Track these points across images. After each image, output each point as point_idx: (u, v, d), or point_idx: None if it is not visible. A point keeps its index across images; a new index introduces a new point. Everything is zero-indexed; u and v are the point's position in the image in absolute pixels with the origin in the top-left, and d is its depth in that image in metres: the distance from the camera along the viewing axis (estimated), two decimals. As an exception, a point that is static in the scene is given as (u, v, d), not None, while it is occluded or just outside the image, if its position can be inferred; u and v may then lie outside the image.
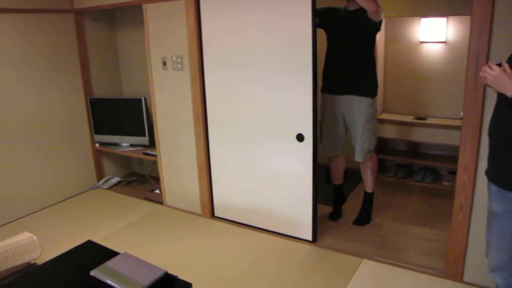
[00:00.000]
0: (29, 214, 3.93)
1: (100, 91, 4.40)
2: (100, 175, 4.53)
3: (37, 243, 2.95)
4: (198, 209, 3.75)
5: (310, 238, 3.18)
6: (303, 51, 2.83)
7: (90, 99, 4.25)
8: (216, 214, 3.68)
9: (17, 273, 2.91)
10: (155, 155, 3.93)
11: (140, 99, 4.06)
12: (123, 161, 4.79)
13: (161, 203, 4.02)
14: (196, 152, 3.58)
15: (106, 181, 4.50)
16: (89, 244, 2.70)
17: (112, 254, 2.51)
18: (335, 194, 3.58)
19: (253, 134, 3.23)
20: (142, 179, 4.64)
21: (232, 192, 3.51)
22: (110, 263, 2.38)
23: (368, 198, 3.45)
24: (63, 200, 4.21)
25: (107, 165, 4.61)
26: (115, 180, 4.54)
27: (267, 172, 3.24)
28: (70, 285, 2.31)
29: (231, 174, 3.47)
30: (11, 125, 3.70)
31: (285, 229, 3.29)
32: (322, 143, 3.35)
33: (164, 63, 3.51)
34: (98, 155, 4.50)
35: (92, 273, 2.30)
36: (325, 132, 3.33)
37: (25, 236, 2.96)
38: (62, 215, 3.90)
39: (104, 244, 3.34)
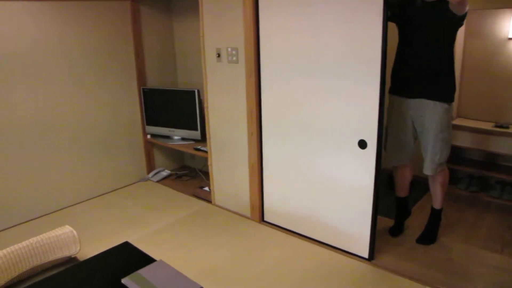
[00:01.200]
0: (76, 204, 3.89)
1: (154, 81, 4.27)
2: (150, 167, 4.43)
3: (77, 238, 2.86)
4: (247, 212, 3.53)
5: (366, 255, 2.86)
6: (370, 49, 2.49)
7: (143, 89, 4.13)
8: (265, 218, 3.44)
9: (57, 267, 2.85)
10: (206, 151, 3.75)
11: (194, 92, 3.88)
12: (175, 154, 4.67)
13: (209, 201, 3.85)
14: (248, 151, 3.35)
15: (156, 174, 4.39)
16: (126, 246, 2.56)
17: (148, 260, 2.35)
18: (399, 208, 3.21)
19: (310, 136, 2.95)
20: (193, 174, 4.49)
21: (283, 197, 3.25)
22: (143, 271, 2.22)
23: (436, 215, 3.06)
24: (112, 191, 4.15)
25: (158, 157, 4.51)
26: (165, 173, 4.42)
27: (323, 179, 2.95)
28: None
29: (283, 177, 3.20)
30: (63, 113, 3.65)
31: (338, 242, 2.99)
32: (386, 151, 2.99)
33: (218, 55, 3.30)
34: (149, 147, 4.39)
35: (124, 281, 2.14)
36: (390, 139, 2.98)
37: (66, 230, 2.88)
38: (108, 207, 3.83)
39: (146, 242, 3.25)
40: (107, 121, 3.98)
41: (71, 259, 2.93)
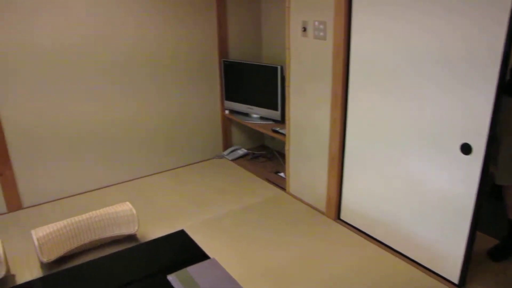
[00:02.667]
0: (147, 176, 3.81)
1: (236, 54, 4.00)
2: (227, 144, 4.22)
3: (135, 217, 2.73)
4: (322, 206, 3.18)
5: (455, 279, 2.39)
6: (489, 47, 1.95)
7: (224, 61, 3.87)
8: (341, 216, 3.06)
9: (116, 243, 2.75)
10: (284, 134, 3.42)
11: (276, 68, 3.54)
12: (253, 132, 4.41)
13: (283, 188, 3.54)
14: (329, 141, 2.97)
15: (232, 152, 4.17)
16: (181, 235, 2.37)
17: (200, 255, 2.13)
18: (509, 230, 2.65)
19: (401, 134, 2.48)
20: (270, 156, 4.20)
21: (364, 197, 2.85)
22: (192, 269, 2.00)
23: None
24: (185, 166, 4.01)
25: (236, 134, 4.27)
26: (241, 151, 4.18)
27: (412, 183, 2.49)
28: (145, 282, 1.99)
29: (366, 175, 2.79)
30: (145, 81, 3.54)
31: (422, 258, 2.54)
32: (497, 164, 2.42)
33: (304, 29, 2.91)
34: (227, 123, 4.17)
35: (170, 277, 1.94)
36: (504, 151, 2.40)
37: (126, 207, 2.75)
38: (177, 182, 3.69)
39: (208, 228, 3.04)
40: (185, 92, 3.80)
41: (130, 236, 2.83)
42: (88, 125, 3.41)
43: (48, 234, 2.52)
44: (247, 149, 4.27)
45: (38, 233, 2.51)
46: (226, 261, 2.55)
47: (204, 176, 3.80)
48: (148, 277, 2.03)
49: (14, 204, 3.29)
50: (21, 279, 2.53)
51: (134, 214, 2.73)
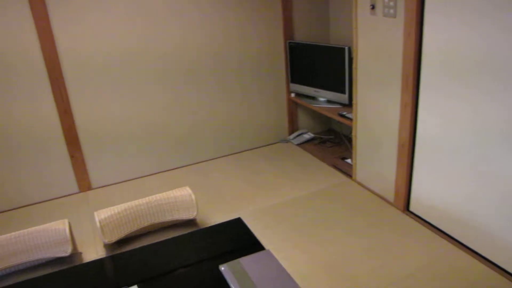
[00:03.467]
0: (211, 160, 3.81)
1: (302, 35, 3.83)
2: (292, 128, 4.10)
3: (194, 202, 2.72)
4: (390, 196, 2.98)
5: (542, 286, 2.12)
6: None
7: (289, 42, 3.73)
8: (411, 208, 2.85)
9: (177, 226, 2.78)
10: (351, 119, 3.24)
11: (343, 49, 3.34)
12: (321, 115, 4.24)
13: (349, 175, 3.38)
14: (399, 127, 2.75)
15: (298, 136, 4.05)
16: (238, 223, 2.31)
17: (256, 245, 2.07)
18: None
19: (484, 120, 2.22)
20: (338, 140, 4.03)
21: (437, 189, 2.61)
22: (245, 260, 1.94)
23: None
24: (249, 150, 3.96)
25: (302, 118, 4.14)
26: (308, 136, 4.05)
27: (498, 179, 2.23)
28: (198, 269, 1.96)
29: (440, 166, 2.55)
30: (206, 59, 3.51)
31: (504, 262, 2.28)
32: None
33: (373, 6, 2.69)
34: (293, 106, 4.04)
35: (222, 267, 1.90)
36: None
37: (185, 192, 2.75)
38: (241, 167, 3.65)
39: (269, 215, 2.96)
40: (249, 74, 3.72)
41: (188, 221, 2.84)
42: (153, 112, 3.46)
43: (109, 216, 2.59)
44: (314, 133, 4.12)
45: (101, 215, 2.58)
46: (284, 252, 2.47)
47: (268, 161, 3.73)
48: (200, 264, 2.00)
49: (85, 185, 3.44)
50: (87, 257, 2.63)
51: (193, 199, 2.73)
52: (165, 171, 3.66)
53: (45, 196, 3.36)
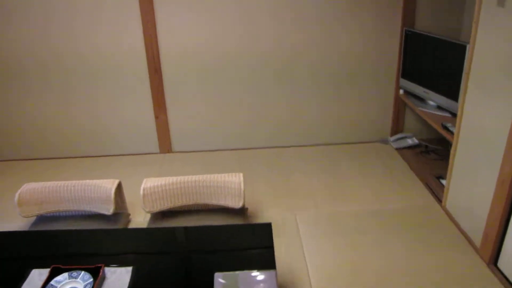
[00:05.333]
0: (293, 146, 3.54)
1: (425, 23, 3.21)
2: (395, 128, 3.57)
3: (242, 192, 2.51)
4: (477, 239, 2.39)
5: None
6: None
7: (406, 30, 3.17)
8: (499, 264, 2.24)
9: (220, 212, 2.62)
10: (453, 134, 2.65)
11: (464, 46, 2.69)
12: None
13: (439, 200, 2.81)
14: (503, 156, 2.14)
15: (400, 139, 3.51)
16: (266, 228, 2.03)
17: (268, 261, 1.79)
18: None
19: None
20: (445, 153, 3.39)
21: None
22: (243, 275, 1.69)
23: None
24: (340, 144, 3.57)
25: (409, 119, 3.57)
26: (411, 141, 3.48)
27: None
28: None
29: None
30: (308, 46, 3.19)
31: None
32: None
33: (499, -2, 2.06)
34: (400, 104, 3.49)
35: (217, 275, 1.69)
36: None
37: (236, 179, 2.56)
38: (323, 161, 3.31)
39: (328, 222, 2.64)
40: (355, 60, 3.29)
41: (236, 209, 2.65)
42: (249, 97, 3.30)
43: (155, 186, 2.53)
44: (419, 140, 3.53)
45: (147, 183, 2.54)
46: (321, 272, 2.15)
47: (355, 161, 3.31)
48: (202, 266, 1.82)
49: (166, 147, 3.47)
50: (135, 220, 2.70)
51: (241, 189, 2.52)
52: (243, 148, 3.51)
53: (129, 150, 3.50)
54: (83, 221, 2.61)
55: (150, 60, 3.16)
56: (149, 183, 2.54)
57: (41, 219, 2.68)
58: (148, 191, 2.52)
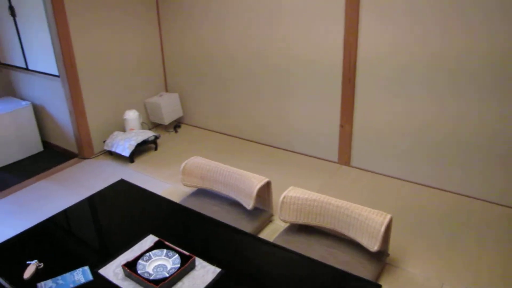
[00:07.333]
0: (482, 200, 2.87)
1: None
2: None
3: (380, 235, 2.23)
4: None
5: None
6: None
7: None
8: None
9: (356, 247, 2.36)
10: None
11: None
12: None
13: None
14: None
15: None
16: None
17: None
18: None
19: None
20: None
21: None
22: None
23: None
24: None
25: None
26: None
27: None
28: None
29: None
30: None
31: None
32: None
33: None
34: None
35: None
36: None
37: (378, 218, 2.28)
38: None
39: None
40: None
41: (374, 252, 2.33)
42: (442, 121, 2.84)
43: (296, 197, 2.46)
44: None
45: (291, 192, 2.48)
46: None
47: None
48: None
49: (344, 158, 3.32)
50: (274, 221, 2.72)
51: (380, 231, 2.21)
52: (432, 187, 3.02)
53: (309, 151, 3.50)
54: (228, 207, 2.71)
55: (346, 70, 3.02)
56: (292, 192, 2.48)
57: (199, 191, 2.90)
58: (288, 200, 2.46)
